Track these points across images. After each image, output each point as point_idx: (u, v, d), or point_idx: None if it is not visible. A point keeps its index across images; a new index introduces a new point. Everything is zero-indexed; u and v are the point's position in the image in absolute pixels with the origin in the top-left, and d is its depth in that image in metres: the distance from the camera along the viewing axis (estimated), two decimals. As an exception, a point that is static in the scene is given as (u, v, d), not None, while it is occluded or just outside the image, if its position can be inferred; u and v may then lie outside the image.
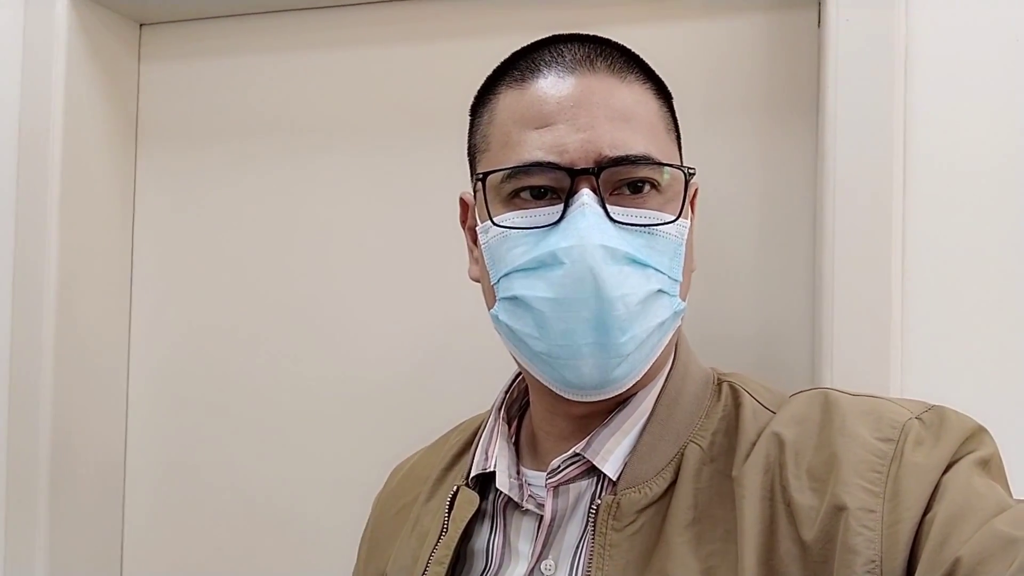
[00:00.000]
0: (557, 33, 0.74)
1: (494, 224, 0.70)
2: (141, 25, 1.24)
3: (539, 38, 0.75)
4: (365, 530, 0.92)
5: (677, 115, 0.77)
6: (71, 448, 1.17)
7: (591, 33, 0.75)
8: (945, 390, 0.89)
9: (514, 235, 0.69)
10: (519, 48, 0.75)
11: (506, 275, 0.69)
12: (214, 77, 1.21)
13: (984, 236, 0.90)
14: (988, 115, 0.90)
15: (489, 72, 0.76)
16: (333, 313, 1.16)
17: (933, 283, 0.91)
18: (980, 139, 0.90)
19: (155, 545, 1.23)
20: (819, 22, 0.99)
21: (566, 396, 0.70)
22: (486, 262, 0.72)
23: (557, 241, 0.66)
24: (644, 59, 0.74)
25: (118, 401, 1.24)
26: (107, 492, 1.22)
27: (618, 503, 0.68)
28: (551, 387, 0.70)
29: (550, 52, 0.72)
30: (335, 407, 1.16)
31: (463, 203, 0.80)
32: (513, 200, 0.70)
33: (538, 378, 0.71)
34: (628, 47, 0.74)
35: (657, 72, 0.75)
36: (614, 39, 0.75)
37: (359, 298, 1.15)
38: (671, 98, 0.76)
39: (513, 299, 0.69)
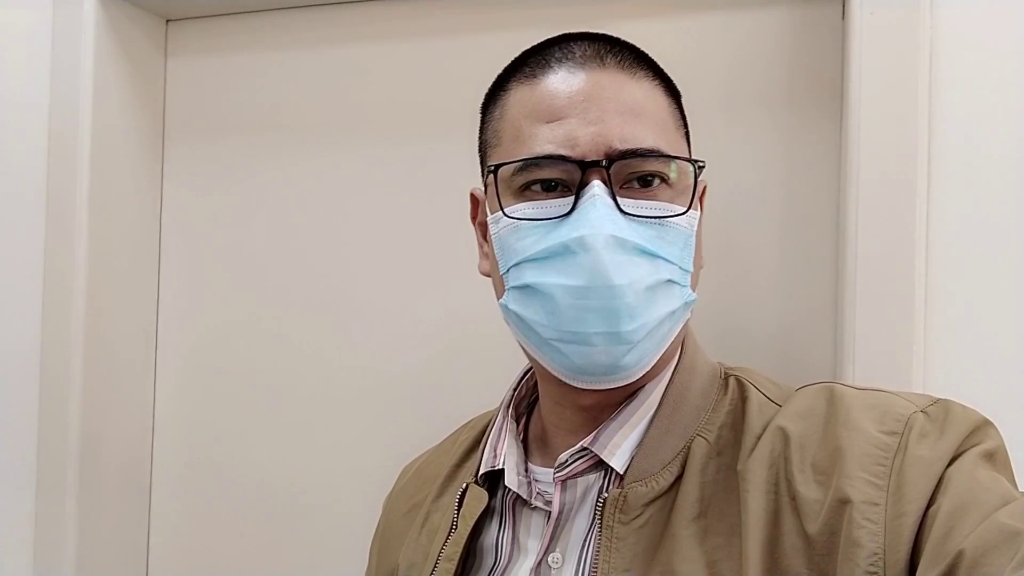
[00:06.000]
0: (567, 32, 0.76)
1: (505, 215, 0.71)
2: (168, 21, 1.28)
3: (551, 36, 0.77)
4: (376, 530, 0.94)
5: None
6: (99, 442, 1.21)
7: (606, 30, 0.76)
8: (969, 387, 0.89)
9: (525, 226, 0.70)
10: (529, 47, 0.77)
11: (516, 265, 0.71)
12: (240, 72, 1.24)
13: (1010, 231, 0.90)
14: (1015, 109, 0.90)
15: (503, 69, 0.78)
16: (358, 306, 1.19)
17: (957, 279, 0.91)
18: (1007, 133, 0.90)
19: (181, 538, 1.26)
20: (843, 14, 0.99)
21: (575, 384, 0.71)
22: (496, 252, 0.74)
23: (568, 232, 0.68)
24: (653, 57, 0.76)
25: (145, 395, 1.27)
26: (134, 486, 1.26)
27: (625, 496, 0.69)
28: (560, 375, 0.72)
29: (560, 49, 0.74)
30: (359, 401, 1.18)
31: (473, 199, 0.82)
32: (524, 192, 0.71)
33: (547, 367, 0.73)
34: (637, 45, 0.76)
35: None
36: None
37: (383, 291, 1.17)
38: (680, 96, 0.77)
39: (523, 287, 0.71)
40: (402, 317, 1.17)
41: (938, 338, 0.91)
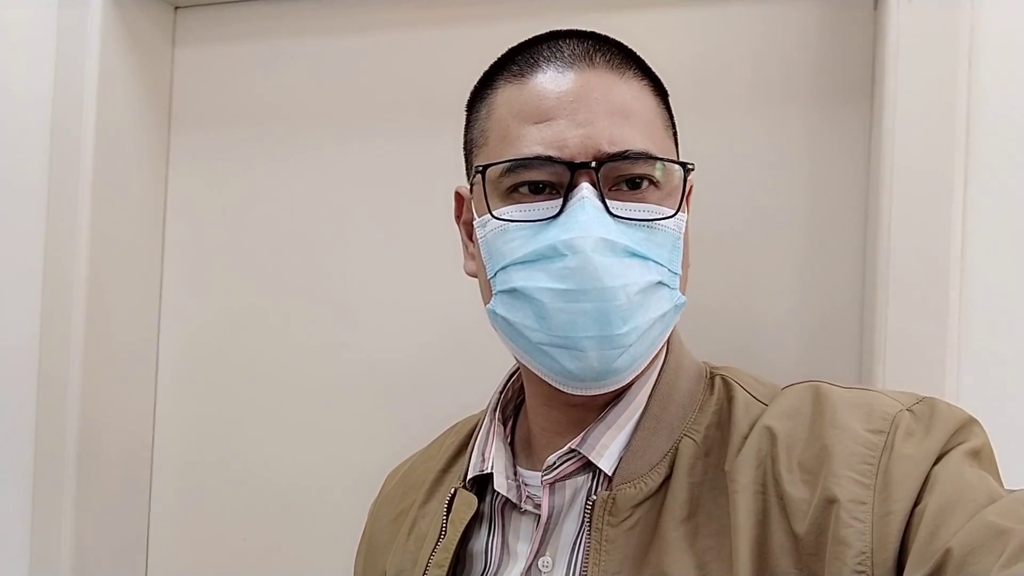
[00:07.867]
0: (556, 29, 0.77)
1: (493, 217, 0.72)
2: (176, 8, 1.29)
3: (539, 32, 0.77)
4: (362, 537, 0.94)
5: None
6: (98, 435, 1.22)
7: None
8: (1003, 390, 0.89)
9: (513, 228, 0.71)
10: (515, 44, 0.77)
11: (504, 268, 0.71)
12: (248, 60, 1.25)
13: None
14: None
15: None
16: (365, 300, 1.19)
17: (994, 279, 0.90)
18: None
19: (180, 533, 1.27)
20: (875, 5, 0.98)
21: (565, 389, 0.71)
22: (483, 256, 0.74)
23: (557, 234, 0.68)
24: (640, 55, 0.76)
25: (146, 388, 1.28)
26: (134, 480, 1.27)
27: (614, 498, 0.70)
28: (551, 380, 0.72)
29: (548, 47, 0.74)
30: (364, 396, 1.18)
31: (458, 197, 0.82)
32: (512, 194, 0.72)
33: (536, 371, 0.73)
34: (625, 44, 0.76)
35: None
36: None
37: (389, 284, 1.18)
38: (667, 95, 0.78)
39: (511, 291, 0.71)
40: (410, 312, 1.17)
41: (972, 340, 0.90)
